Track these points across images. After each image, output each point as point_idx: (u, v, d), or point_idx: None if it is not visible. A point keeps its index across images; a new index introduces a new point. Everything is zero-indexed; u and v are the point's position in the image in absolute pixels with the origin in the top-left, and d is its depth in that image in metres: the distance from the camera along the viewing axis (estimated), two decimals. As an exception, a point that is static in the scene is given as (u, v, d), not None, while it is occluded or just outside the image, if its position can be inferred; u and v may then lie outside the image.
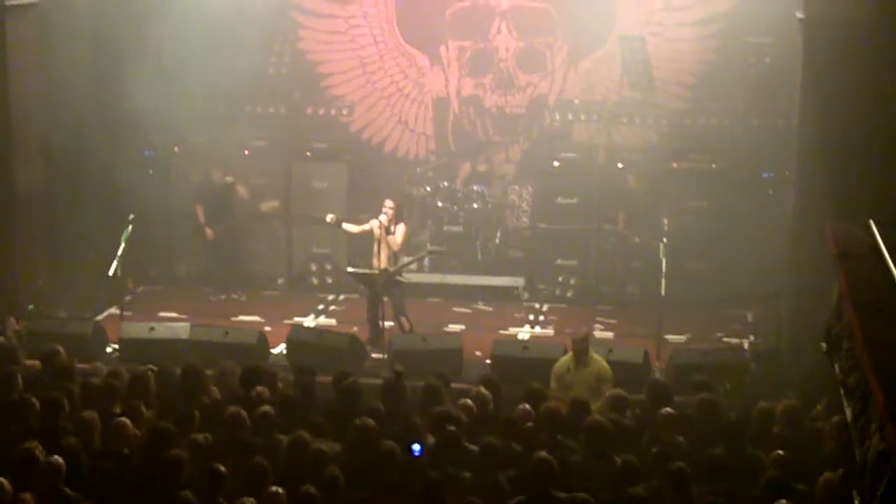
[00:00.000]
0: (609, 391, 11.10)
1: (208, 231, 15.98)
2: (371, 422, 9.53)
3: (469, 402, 10.36)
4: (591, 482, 9.04)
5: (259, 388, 10.48)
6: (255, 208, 16.31)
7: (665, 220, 14.77)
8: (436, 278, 16.07)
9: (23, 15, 14.46)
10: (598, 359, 12.02)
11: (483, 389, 10.65)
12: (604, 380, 11.81)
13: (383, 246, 14.15)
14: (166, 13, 16.00)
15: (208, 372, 11.13)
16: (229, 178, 16.04)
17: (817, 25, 12.48)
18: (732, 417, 10.17)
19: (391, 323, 14.07)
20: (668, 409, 10.12)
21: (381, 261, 14.14)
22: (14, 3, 14.24)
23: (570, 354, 12.08)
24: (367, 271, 14.17)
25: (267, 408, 9.92)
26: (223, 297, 16.06)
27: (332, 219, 14.42)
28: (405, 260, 14.43)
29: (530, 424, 9.85)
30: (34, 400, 10.01)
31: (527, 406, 10.29)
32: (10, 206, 14.52)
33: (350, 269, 14.60)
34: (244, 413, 9.75)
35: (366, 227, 14.35)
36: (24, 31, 14.54)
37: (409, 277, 14.48)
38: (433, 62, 17.32)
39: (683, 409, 10.45)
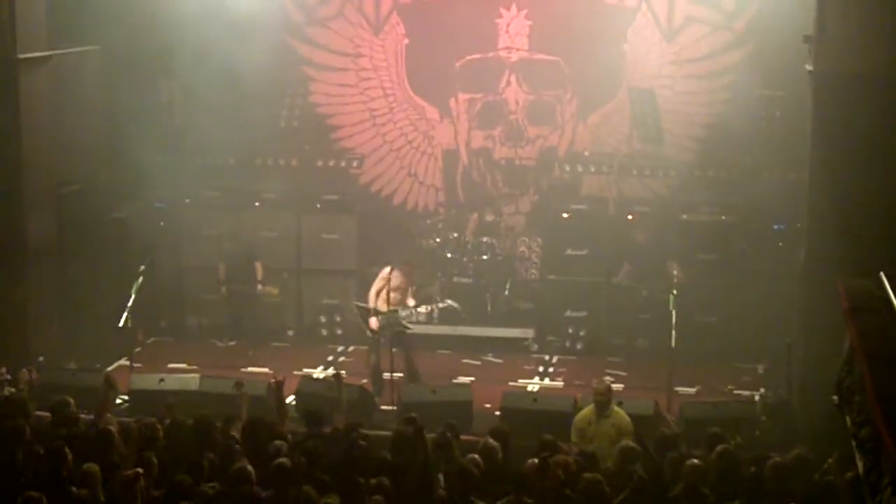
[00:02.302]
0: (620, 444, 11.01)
1: (223, 290, 16.13)
2: (386, 480, 9.47)
3: (477, 457, 10.27)
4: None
5: (278, 442, 10.45)
6: (261, 286, 16.07)
7: (675, 273, 14.74)
8: (445, 330, 16.03)
9: (36, 68, 14.58)
10: (618, 411, 11.92)
11: (491, 440, 10.57)
12: (624, 432, 11.65)
13: (392, 293, 14.17)
14: (178, 67, 16.15)
15: (217, 423, 11.09)
16: (253, 245, 16.10)
17: (827, 78, 12.52)
18: (751, 471, 10.07)
19: (400, 374, 14.03)
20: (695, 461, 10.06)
21: (387, 305, 14.13)
22: (27, 56, 14.35)
23: (590, 407, 11.96)
24: (367, 305, 14.18)
25: (283, 460, 9.88)
26: (232, 342, 16.09)
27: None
28: (411, 303, 14.35)
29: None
30: (41, 451, 9.99)
31: (536, 459, 10.20)
32: (21, 257, 14.54)
33: (356, 303, 14.60)
34: (249, 468, 9.69)
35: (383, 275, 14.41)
36: (38, 83, 14.65)
37: (415, 328, 14.39)
38: (443, 114, 17.40)
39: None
